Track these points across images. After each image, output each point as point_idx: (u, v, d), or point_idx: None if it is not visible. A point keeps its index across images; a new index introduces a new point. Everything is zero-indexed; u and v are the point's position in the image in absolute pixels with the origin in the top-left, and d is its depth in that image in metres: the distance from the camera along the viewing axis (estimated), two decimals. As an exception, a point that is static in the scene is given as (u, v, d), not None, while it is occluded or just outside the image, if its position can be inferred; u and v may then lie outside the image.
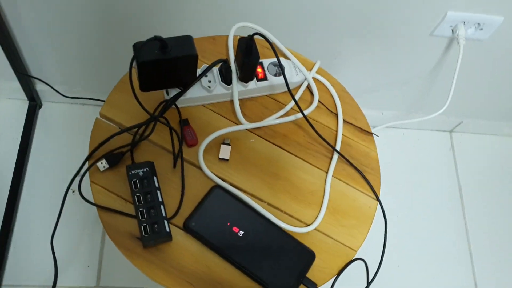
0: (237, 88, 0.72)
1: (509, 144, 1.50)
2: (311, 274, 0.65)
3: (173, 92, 0.71)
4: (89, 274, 1.13)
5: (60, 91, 1.17)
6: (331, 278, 0.66)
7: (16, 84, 1.19)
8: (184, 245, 0.65)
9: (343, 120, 0.77)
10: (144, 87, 0.67)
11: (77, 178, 0.68)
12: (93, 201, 0.66)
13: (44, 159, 1.23)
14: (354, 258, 0.68)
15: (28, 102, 1.26)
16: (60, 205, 0.69)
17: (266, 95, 0.76)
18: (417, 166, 1.41)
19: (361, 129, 0.77)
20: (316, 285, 0.64)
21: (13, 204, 1.15)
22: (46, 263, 1.11)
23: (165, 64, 0.63)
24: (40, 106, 1.29)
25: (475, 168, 1.44)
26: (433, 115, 1.15)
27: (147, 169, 0.66)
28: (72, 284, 1.12)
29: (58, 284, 1.11)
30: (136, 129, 0.70)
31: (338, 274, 0.67)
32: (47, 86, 1.19)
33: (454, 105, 1.30)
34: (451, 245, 1.32)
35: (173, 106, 0.72)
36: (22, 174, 1.19)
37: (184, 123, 0.72)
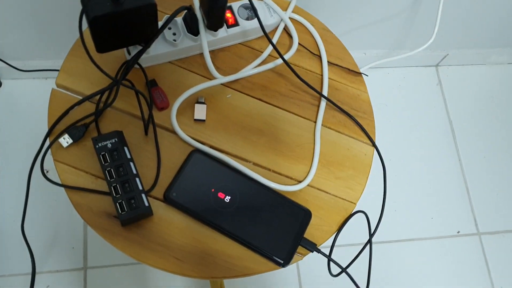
0: (206, 38, 0.64)
1: (496, 72, 1.44)
2: (309, 234, 0.60)
3: (135, 50, 0.62)
4: (75, 256, 1.07)
5: (16, 66, 1.08)
6: (331, 235, 0.61)
7: (-32, 64, 1.09)
8: (167, 219, 0.59)
9: (328, 62, 0.69)
10: (101, 48, 0.58)
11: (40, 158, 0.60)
12: (59, 182, 0.59)
13: (11, 141, 1.14)
14: (354, 211, 0.63)
15: (-15, 81, 1.17)
16: (32, 189, 0.62)
17: (239, 43, 0.69)
18: (405, 105, 1.35)
19: (349, 69, 0.70)
20: (316, 245, 0.59)
21: (-16, 192, 1.08)
22: (27, 251, 1.05)
23: (120, 17, 0.54)
24: (0, 85, 1.19)
25: (464, 101, 1.39)
26: (420, 49, 1.08)
27: (116, 139, 0.59)
28: (59, 268, 1.07)
29: (45, 269, 1.06)
30: (98, 96, 0.62)
31: (339, 231, 0.61)
32: (3, 63, 1.09)
33: (440, 36, 1.23)
34: (447, 182, 1.28)
35: (138, 66, 0.64)
36: (-11, 159, 1.11)
37: (152, 84, 0.64)
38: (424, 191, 1.26)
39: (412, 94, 1.37)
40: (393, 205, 1.23)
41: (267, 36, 0.61)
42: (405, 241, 1.21)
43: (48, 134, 0.60)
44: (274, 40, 0.69)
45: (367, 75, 0.70)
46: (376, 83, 1.35)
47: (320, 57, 0.70)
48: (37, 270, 1.05)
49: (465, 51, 1.36)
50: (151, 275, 1.08)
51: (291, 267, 1.12)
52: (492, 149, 1.34)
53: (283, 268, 0.59)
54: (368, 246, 0.63)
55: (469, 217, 1.26)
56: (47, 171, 1.07)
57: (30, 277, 1.02)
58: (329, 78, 0.69)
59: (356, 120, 0.66)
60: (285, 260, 0.57)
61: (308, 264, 1.14)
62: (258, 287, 1.10)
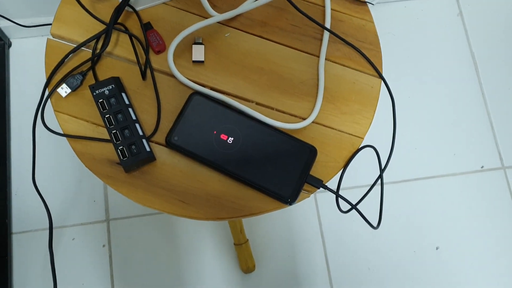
0: (199, -26, 0.61)
1: (523, -2, 1.36)
2: (315, 171, 0.59)
3: (127, -7, 0.60)
4: (97, 209, 1.10)
5: (22, 24, 1.07)
6: (338, 171, 0.60)
7: (-26, 24, 1.09)
8: (170, 163, 0.58)
9: (329, -8, 0.66)
10: (90, -8, 0.57)
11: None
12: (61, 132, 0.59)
13: (23, 99, 1.15)
14: (361, 146, 0.61)
15: (-6, 42, 1.17)
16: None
17: (236, -21, 0.66)
18: (425, 39, 1.29)
19: (352, -1, 0.66)
20: (322, 181, 0.58)
21: (4, 151, 1.10)
22: (50, 205, 1.07)
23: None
24: (10, 45, 1.19)
25: (486, 31, 1.32)
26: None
27: (113, 86, 0.58)
28: (83, 221, 1.09)
29: (69, 223, 1.09)
30: (93, 44, 0.61)
31: (345, 166, 0.60)
32: (10, 22, 1.08)
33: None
34: (470, 116, 1.24)
35: (131, 10, 0.62)
36: (7, 119, 1.12)
37: (147, 27, 0.62)
38: (445, 127, 1.23)
39: (432, 27, 1.31)
40: (414, 143, 1.21)
41: (261, -33, 0.58)
42: (427, 179, 1.19)
43: (46, 85, 0.60)
44: (272, -27, 0.65)
45: (372, 4, 0.66)
46: (393, 17, 1.29)
47: (321, -13, 0.66)
48: (62, 224, 1.08)
49: (488, -23, 1.28)
50: (173, 224, 1.10)
51: (310, 205, 1.12)
52: (518, 80, 1.28)
53: (301, 206, 0.58)
54: (379, 182, 0.61)
55: (493, 151, 1.22)
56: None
57: (55, 230, 1.05)
58: (332, 9, 0.65)
59: (361, 51, 0.63)
60: (291, 197, 0.57)
61: (328, 203, 1.13)
62: (277, 225, 1.11)
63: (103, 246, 1.08)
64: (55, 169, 1.11)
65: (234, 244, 1.07)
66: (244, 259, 1.07)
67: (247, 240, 1.07)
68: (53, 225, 1.09)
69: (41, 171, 1.10)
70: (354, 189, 1.12)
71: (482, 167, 1.21)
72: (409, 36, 1.29)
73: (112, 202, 1.10)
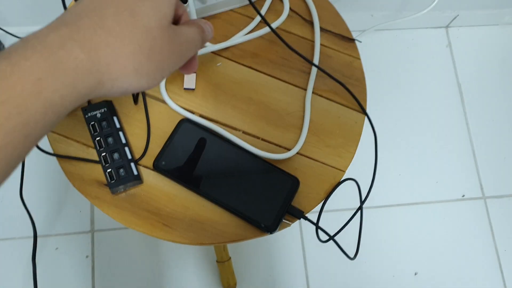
0: (195, 5, 0.63)
1: (510, 32, 1.40)
2: (297, 202, 0.61)
3: (124, 19, 0.62)
4: (82, 220, 1.11)
5: (13, 33, 1.08)
6: (319, 203, 0.62)
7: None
8: (156, 187, 0.60)
9: (320, 28, 0.68)
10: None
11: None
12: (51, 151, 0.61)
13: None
14: (343, 179, 0.63)
15: (-11, 48, 1.18)
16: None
17: (231, 10, 0.68)
18: (413, 68, 1.32)
19: (342, 36, 0.69)
20: (303, 212, 0.60)
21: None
22: (35, 213, 1.08)
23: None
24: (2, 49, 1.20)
25: (474, 63, 1.35)
26: (427, 9, 1.05)
27: (105, 109, 0.60)
28: (67, 231, 1.10)
29: (53, 233, 1.09)
30: (88, 66, 0.62)
31: (326, 198, 0.62)
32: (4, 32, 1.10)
33: (449, -4, 1.20)
34: (453, 145, 1.27)
35: (127, 35, 0.64)
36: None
37: (141, 53, 0.64)
38: (429, 154, 1.26)
39: (421, 57, 1.34)
40: (398, 168, 1.23)
41: (252, 4, 0.60)
42: (409, 205, 1.21)
43: (39, 104, 0.61)
44: (266, 6, 0.67)
45: (360, 41, 0.68)
46: (384, 45, 1.33)
47: (312, 23, 0.68)
48: (46, 233, 1.09)
49: (477, 12, 1.32)
50: (157, 239, 1.11)
51: (294, 229, 1.14)
52: (502, 112, 1.31)
53: (285, 230, 0.60)
54: (359, 213, 0.63)
55: (474, 181, 1.25)
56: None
57: (38, 239, 1.06)
58: (321, 44, 0.68)
59: (347, 87, 0.65)
60: (272, 227, 0.58)
61: (312, 228, 1.15)
62: (261, 246, 1.13)
63: (87, 257, 1.09)
64: (42, 177, 1.12)
65: (217, 261, 1.08)
66: (226, 277, 1.08)
67: (230, 258, 1.08)
68: (37, 234, 1.09)
69: (27, 178, 1.10)
70: (336, 212, 1.14)
71: (463, 196, 1.24)
72: (398, 64, 1.32)
73: (97, 213, 1.11)
